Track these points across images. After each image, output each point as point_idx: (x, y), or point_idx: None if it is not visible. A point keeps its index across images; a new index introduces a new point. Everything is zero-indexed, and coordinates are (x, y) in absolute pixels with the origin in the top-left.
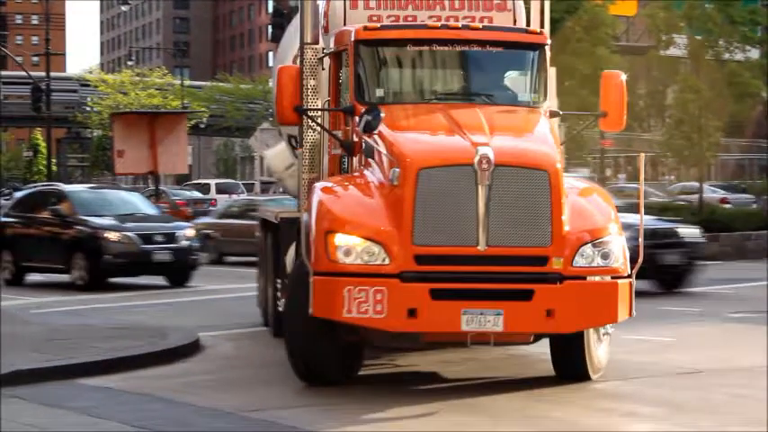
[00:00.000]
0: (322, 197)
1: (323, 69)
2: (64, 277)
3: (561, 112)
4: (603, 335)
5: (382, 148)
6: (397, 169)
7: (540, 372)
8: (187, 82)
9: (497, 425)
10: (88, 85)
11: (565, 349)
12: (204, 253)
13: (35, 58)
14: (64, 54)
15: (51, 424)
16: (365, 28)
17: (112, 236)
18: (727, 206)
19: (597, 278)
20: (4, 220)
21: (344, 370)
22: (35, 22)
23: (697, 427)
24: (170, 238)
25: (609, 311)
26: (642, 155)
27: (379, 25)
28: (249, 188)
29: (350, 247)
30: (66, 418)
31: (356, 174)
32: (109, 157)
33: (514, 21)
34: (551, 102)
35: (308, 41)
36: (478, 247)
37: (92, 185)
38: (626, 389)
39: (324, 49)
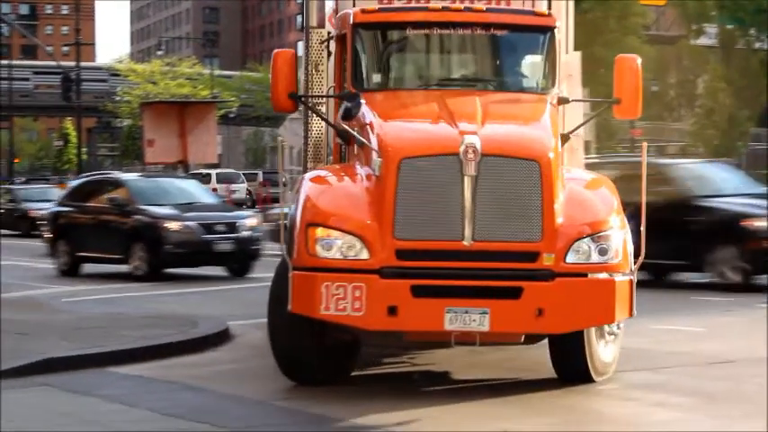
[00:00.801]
0: (308, 188)
1: (330, 54)
2: (121, 268)
3: (570, 99)
4: (608, 334)
5: (363, 137)
6: (379, 159)
7: None
8: (217, 72)
9: (526, 415)
10: (118, 75)
11: (564, 350)
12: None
13: (65, 48)
14: (94, 44)
15: (82, 412)
16: (363, 11)
17: (173, 225)
18: None
19: (594, 275)
20: (58, 209)
21: (336, 370)
22: (65, 12)
23: (728, 417)
24: (231, 227)
25: (605, 311)
26: (645, 144)
27: (377, 8)
28: (252, 178)
29: (330, 240)
30: (96, 405)
31: (348, 164)
32: (139, 146)
33: (533, 3)
34: (566, 88)
35: (314, 25)
36: (464, 242)
37: (143, 174)
38: (656, 378)
39: (329, 33)
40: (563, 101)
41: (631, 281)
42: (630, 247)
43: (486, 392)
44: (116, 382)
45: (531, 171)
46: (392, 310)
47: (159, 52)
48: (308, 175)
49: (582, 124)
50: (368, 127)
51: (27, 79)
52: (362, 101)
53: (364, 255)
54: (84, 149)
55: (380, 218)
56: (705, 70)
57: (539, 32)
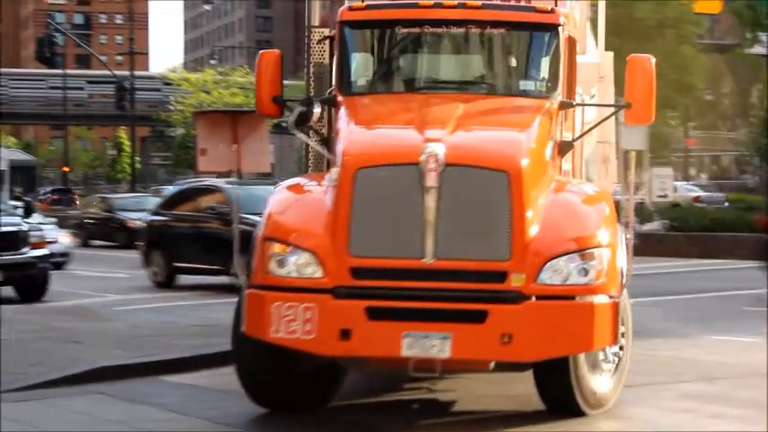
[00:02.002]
0: (272, 200)
1: (331, 56)
2: (216, 279)
3: (575, 103)
4: (604, 362)
5: (318, 146)
6: (337, 169)
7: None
8: None
9: (581, 424)
10: (171, 84)
11: (548, 379)
12: None
13: (119, 58)
14: (147, 53)
15: (135, 420)
16: (350, 8)
17: None
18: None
19: (573, 298)
20: (153, 218)
21: (312, 396)
22: (119, 21)
23: None
24: None
25: (581, 337)
26: (633, 153)
27: (365, 4)
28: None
29: (285, 257)
30: (150, 414)
31: (319, 174)
32: (192, 155)
33: None
34: (597, 90)
35: (315, 24)
36: (424, 260)
37: (236, 181)
38: (712, 390)
39: (326, 33)
40: (566, 105)
41: (615, 303)
42: (622, 267)
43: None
44: (169, 391)
45: (499, 183)
46: (345, 334)
47: (212, 61)
48: (283, 184)
49: (588, 131)
50: (339, 134)
51: (81, 88)
52: (317, 107)
53: (318, 273)
54: (137, 158)
55: (335, 233)
56: (759, 79)
57: (541, 31)
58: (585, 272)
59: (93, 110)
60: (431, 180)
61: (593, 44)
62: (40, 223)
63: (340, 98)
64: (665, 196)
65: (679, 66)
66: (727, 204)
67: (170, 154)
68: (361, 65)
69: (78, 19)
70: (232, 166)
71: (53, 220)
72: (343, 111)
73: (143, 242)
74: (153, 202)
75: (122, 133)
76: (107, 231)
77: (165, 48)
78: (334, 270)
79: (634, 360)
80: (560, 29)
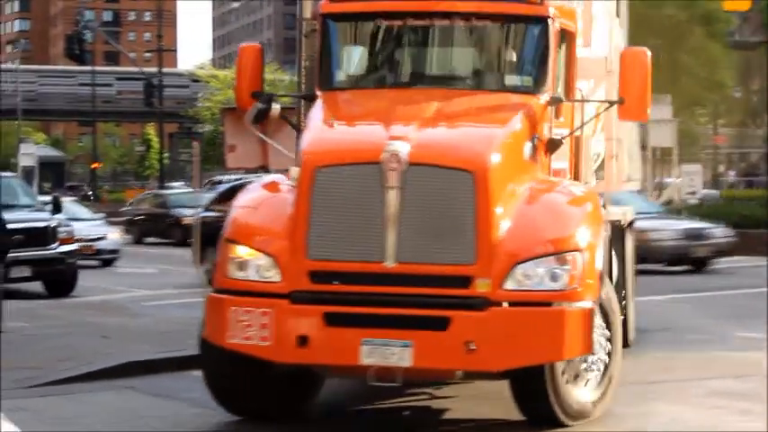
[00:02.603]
0: (241, 199)
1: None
2: None
3: (564, 100)
4: (586, 371)
5: (277, 144)
6: (297, 168)
7: (651, 369)
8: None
9: (605, 424)
10: (199, 81)
11: (524, 388)
12: None
13: (147, 55)
14: (176, 50)
15: (165, 415)
16: (332, 0)
17: None
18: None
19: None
20: (205, 214)
21: (285, 404)
22: (148, 18)
23: None
24: None
25: (550, 346)
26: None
27: None
28: None
29: (243, 260)
30: (179, 408)
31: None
32: (220, 152)
33: None
34: (605, 85)
35: (307, 17)
36: (385, 264)
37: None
38: (741, 387)
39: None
40: (555, 101)
41: (589, 310)
42: (600, 272)
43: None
44: (197, 386)
45: (464, 183)
46: (302, 341)
47: None
48: (257, 182)
49: (578, 128)
50: (304, 131)
51: (110, 85)
52: (276, 104)
53: (276, 277)
54: (165, 155)
55: (293, 235)
56: None
57: (529, 23)
58: (557, 277)
59: (121, 106)
60: (392, 180)
61: (606, 38)
62: (89, 219)
63: (319, 93)
64: (693, 193)
65: (708, 63)
66: (721, 201)
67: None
68: (343, 59)
69: (107, 16)
70: (261, 163)
71: (102, 215)
72: (315, 106)
73: (195, 239)
74: (208, 198)
75: (150, 130)
76: (161, 228)
77: (194, 45)
78: (292, 274)
79: (665, 356)
80: (550, 21)
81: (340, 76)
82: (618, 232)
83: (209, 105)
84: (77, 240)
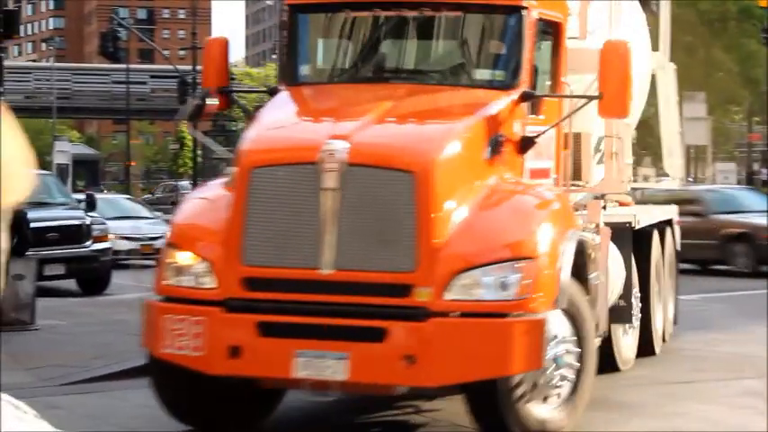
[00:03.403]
0: (186, 201)
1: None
2: None
3: (538, 94)
4: (547, 385)
5: (214, 144)
6: (234, 168)
7: (682, 369)
8: None
9: (636, 422)
10: (233, 79)
11: (477, 403)
12: None
13: (181, 52)
14: None
15: None
16: None
17: None
18: None
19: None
20: None
21: (238, 415)
22: (182, 16)
23: None
24: None
25: (496, 361)
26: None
27: None
28: None
29: (181, 265)
30: None
31: None
32: None
33: None
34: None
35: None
36: (321, 271)
37: None
38: None
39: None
40: (528, 96)
41: (540, 322)
42: (562, 281)
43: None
44: None
45: (404, 185)
46: (235, 352)
47: (274, 56)
48: (214, 183)
49: (553, 125)
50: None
51: (144, 83)
52: (211, 101)
53: (211, 284)
54: (199, 152)
55: (229, 239)
56: None
57: (502, 13)
58: (507, 286)
59: (155, 104)
60: (329, 181)
61: (606, 30)
62: (148, 217)
63: (282, 88)
64: None
65: (743, 59)
66: None
67: (232, 148)
68: (309, 52)
69: (141, 14)
70: None
71: (158, 214)
72: (269, 102)
73: None
74: None
75: (184, 127)
76: None
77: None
78: (227, 281)
79: (696, 356)
80: (524, 12)
81: (305, 70)
82: (627, 234)
83: (243, 103)
84: (135, 239)
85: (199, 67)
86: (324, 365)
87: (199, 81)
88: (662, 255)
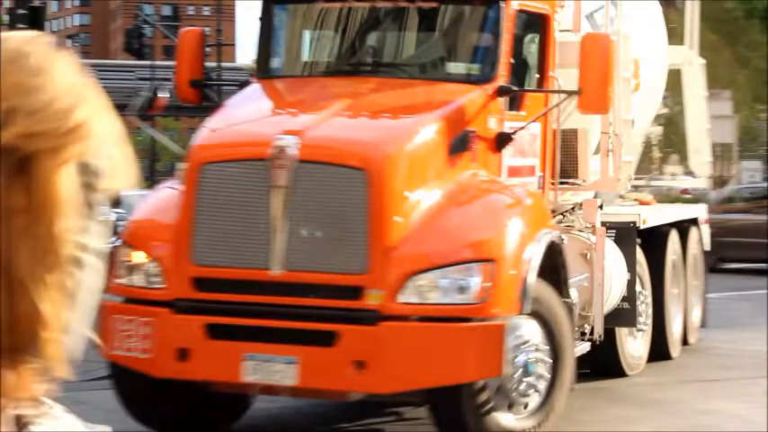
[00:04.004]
0: (144, 200)
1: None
2: None
3: (516, 89)
4: (516, 393)
5: (168, 141)
6: (185, 164)
7: (710, 366)
8: None
9: (658, 421)
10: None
11: (441, 410)
12: None
13: (207, 49)
14: (234, 45)
15: None
16: None
17: None
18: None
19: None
20: None
21: (204, 419)
22: (206, 13)
23: None
24: None
25: (449, 367)
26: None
27: None
28: None
29: (132, 264)
30: None
31: None
32: None
33: None
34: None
35: None
36: (271, 272)
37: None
38: None
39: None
40: (505, 91)
41: (499, 327)
42: (527, 285)
43: (614, 393)
44: None
45: (356, 182)
46: (183, 354)
47: None
48: (168, 182)
49: (530, 121)
50: None
51: (169, 79)
52: (163, 95)
53: (161, 283)
54: None
55: (178, 238)
56: None
57: (479, 6)
58: (464, 289)
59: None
60: (279, 178)
61: (602, 22)
62: None
63: (253, 81)
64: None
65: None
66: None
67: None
68: (281, 45)
69: (166, 10)
70: None
71: None
72: (233, 96)
73: None
74: None
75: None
76: None
77: (253, 39)
78: (175, 281)
79: (724, 354)
80: (502, 3)
81: (276, 63)
82: (631, 234)
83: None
84: None
85: (224, 64)
86: (273, 370)
87: (222, 77)
88: (682, 255)
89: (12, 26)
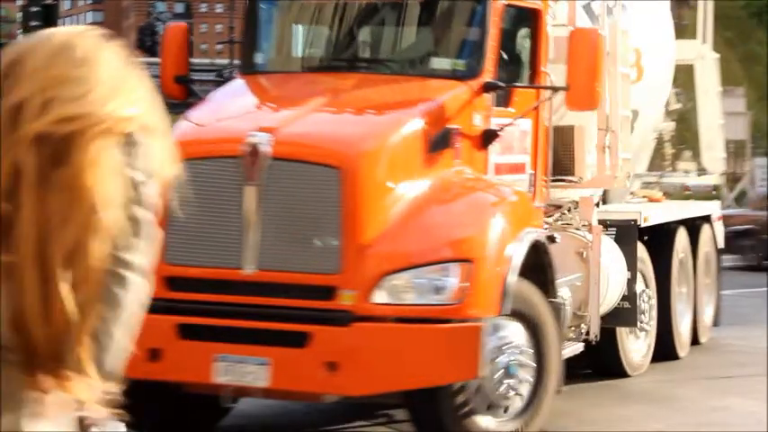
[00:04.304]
0: None
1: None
2: None
3: (502, 85)
4: (500, 397)
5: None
6: None
7: (723, 364)
8: None
9: (670, 418)
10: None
11: (421, 411)
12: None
13: (219, 46)
14: None
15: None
16: None
17: None
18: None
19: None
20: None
21: (190, 420)
22: (219, 10)
23: None
24: None
25: (425, 369)
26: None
27: None
28: None
29: None
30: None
31: None
32: None
33: None
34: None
35: None
36: (244, 271)
37: None
38: None
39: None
40: (491, 87)
41: (475, 328)
42: (507, 284)
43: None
44: None
45: (330, 181)
46: (154, 355)
47: None
48: None
49: (518, 116)
50: None
51: None
52: None
53: None
54: None
55: None
56: None
57: (466, 1)
58: (439, 290)
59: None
60: (251, 176)
61: (605, 12)
62: None
63: (236, 77)
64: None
65: None
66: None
67: None
68: (266, 40)
69: (179, 8)
70: None
71: None
72: (214, 92)
73: None
74: None
75: None
76: None
77: None
78: (150, 280)
79: (736, 351)
80: None
81: (259, 58)
82: (631, 232)
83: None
84: None
85: (236, 61)
86: (245, 371)
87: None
88: (692, 253)
89: (25, 23)
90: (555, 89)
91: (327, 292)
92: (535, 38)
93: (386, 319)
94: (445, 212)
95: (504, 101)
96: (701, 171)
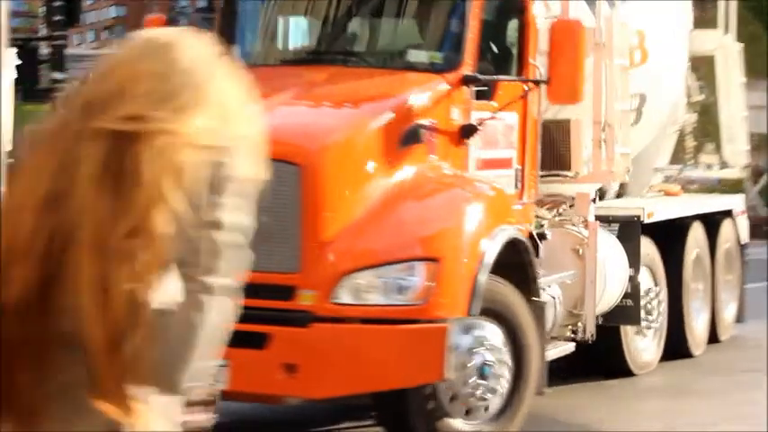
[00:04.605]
0: None
1: None
2: None
3: (481, 77)
4: (471, 398)
5: None
6: None
7: (743, 358)
8: None
9: (696, 411)
10: None
11: (389, 415)
12: None
13: None
14: None
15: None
16: None
17: None
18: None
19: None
20: None
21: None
22: None
23: None
24: None
25: (386, 371)
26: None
27: None
28: None
29: None
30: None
31: None
32: None
33: None
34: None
35: None
36: None
37: None
38: None
39: None
40: (470, 80)
41: (441, 329)
42: (478, 284)
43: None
44: None
45: (290, 178)
46: None
47: None
48: None
49: (498, 109)
50: None
51: None
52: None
53: None
54: None
55: None
56: None
57: None
58: (402, 289)
59: None
60: None
61: (605, 8)
62: None
63: None
64: None
65: None
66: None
67: None
68: (242, 32)
69: (201, 2)
70: None
71: None
72: None
73: None
74: None
75: None
76: None
77: None
78: None
79: (750, 345)
80: None
81: (235, 51)
82: (634, 228)
83: None
84: None
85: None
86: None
87: None
88: (710, 249)
89: (48, 18)
90: (536, 82)
91: (287, 292)
92: (522, 29)
93: (347, 320)
94: (412, 209)
95: (487, 94)
96: (724, 164)
